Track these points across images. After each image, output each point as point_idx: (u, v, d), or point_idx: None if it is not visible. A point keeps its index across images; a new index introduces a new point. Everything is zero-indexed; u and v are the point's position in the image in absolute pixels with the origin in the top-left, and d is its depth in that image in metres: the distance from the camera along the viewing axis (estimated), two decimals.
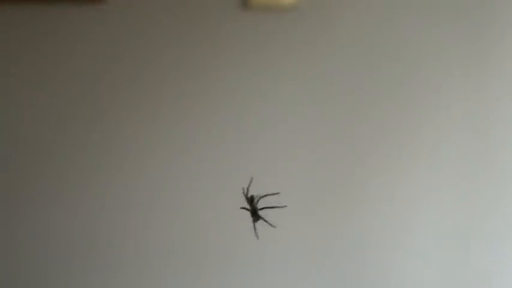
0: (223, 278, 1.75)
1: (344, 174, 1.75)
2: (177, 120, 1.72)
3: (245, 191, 0.91)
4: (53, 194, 1.72)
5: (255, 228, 0.90)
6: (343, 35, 1.71)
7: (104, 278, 1.73)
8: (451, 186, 1.77)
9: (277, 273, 1.75)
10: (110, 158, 1.72)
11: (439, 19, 1.72)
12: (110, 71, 1.71)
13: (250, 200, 0.91)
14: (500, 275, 1.76)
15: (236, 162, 1.71)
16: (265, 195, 0.91)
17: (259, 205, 0.92)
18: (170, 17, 1.70)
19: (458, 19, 1.72)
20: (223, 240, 1.73)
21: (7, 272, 1.72)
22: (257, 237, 0.89)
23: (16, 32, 1.69)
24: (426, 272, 1.77)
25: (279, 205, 0.90)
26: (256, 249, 1.73)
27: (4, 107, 1.71)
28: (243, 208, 0.91)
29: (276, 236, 1.70)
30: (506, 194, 1.77)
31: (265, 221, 0.91)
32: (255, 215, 0.91)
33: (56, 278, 1.74)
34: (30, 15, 1.69)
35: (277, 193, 0.90)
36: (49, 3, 1.68)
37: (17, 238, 1.73)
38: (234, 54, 1.70)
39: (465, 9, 1.72)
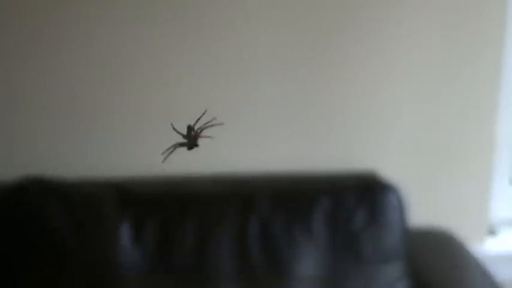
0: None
1: (324, 34, 1.78)
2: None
3: (194, 126, 0.86)
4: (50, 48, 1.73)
5: (170, 153, 0.86)
6: None
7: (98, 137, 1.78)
8: (431, 45, 1.81)
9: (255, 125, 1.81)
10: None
11: None
12: None
13: (188, 132, 0.87)
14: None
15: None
16: (207, 125, 0.86)
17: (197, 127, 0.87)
18: None
19: None
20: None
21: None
22: (163, 161, 0.85)
23: None
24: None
25: (216, 122, 0.87)
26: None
27: None
28: (179, 145, 0.87)
29: (253, 93, 1.76)
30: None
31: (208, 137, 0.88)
32: (194, 145, 0.86)
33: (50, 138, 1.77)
34: None
35: (221, 123, 0.86)
36: None
37: (13, 101, 1.75)
38: None
39: None
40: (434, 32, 1.81)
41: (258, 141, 1.81)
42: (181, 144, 0.86)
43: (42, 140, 1.77)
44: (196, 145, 0.86)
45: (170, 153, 0.86)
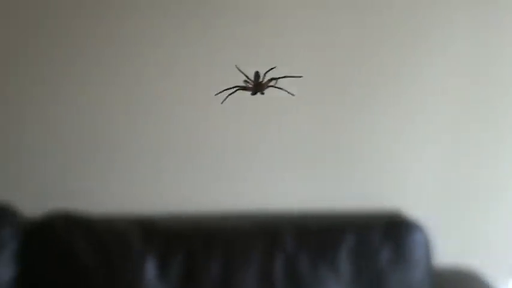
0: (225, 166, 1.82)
1: (355, 79, 1.80)
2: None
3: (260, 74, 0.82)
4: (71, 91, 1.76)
5: (230, 94, 0.81)
6: None
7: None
8: (454, 88, 1.82)
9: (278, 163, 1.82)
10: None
11: None
12: None
13: (256, 77, 0.82)
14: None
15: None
16: (284, 77, 0.81)
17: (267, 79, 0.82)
18: None
19: None
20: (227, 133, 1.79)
21: (19, 173, 1.78)
22: (222, 102, 0.79)
23: None
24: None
25: (294, 75, 0.81)
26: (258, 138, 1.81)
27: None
28: (240, 88, 0.82)
29: (280, 132, 1.78)
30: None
31: (281, 88, 0.82)
32: (259, 91, 0.82)
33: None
34: None
35: (299, 76, 0.81)
36: None
37: (41, 139, 1.77)
38: None
39: None
40: (457, 76, 1.82)
41: (283, 179, 1.82)
42: (243, 88, 0.82)
43: (69, 176, 1.79)
44: (262, 93, 0.82)
45: (230, 94, 0.81)
